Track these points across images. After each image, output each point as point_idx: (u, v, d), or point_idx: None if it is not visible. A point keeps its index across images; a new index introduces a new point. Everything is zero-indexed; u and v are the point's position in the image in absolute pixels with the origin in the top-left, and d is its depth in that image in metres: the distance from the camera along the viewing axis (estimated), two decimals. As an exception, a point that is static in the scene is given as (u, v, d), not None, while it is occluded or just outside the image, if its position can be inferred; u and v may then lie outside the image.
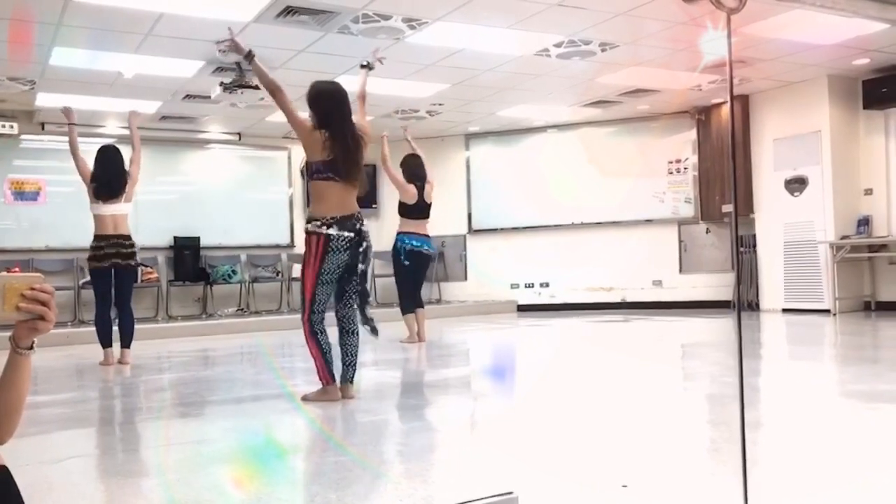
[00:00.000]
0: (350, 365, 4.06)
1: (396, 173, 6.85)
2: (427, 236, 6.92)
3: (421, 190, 6.85)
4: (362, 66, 4.79)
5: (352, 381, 4.09)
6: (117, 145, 6.43)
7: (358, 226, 3.99)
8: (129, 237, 6.07)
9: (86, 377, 5.80)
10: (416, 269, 6.93)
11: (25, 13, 5.87)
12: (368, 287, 4.11)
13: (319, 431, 3.48)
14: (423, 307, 7.05)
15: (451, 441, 3.25)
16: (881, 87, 8.47)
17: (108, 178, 6.03)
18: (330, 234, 3.90)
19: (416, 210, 6.86)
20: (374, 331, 4.16)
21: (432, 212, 7.00)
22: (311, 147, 3.96)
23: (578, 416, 3.61)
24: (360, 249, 3.99)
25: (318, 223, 3.92)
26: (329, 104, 4.00)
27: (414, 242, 6.82)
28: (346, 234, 3.93)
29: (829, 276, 8.63)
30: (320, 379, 4.03)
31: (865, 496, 2.22)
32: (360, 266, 4.01)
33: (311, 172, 3.99)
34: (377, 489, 2.44)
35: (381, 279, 11.38)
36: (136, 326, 6.23)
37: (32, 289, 1.26)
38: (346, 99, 4.05)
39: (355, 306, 4.09)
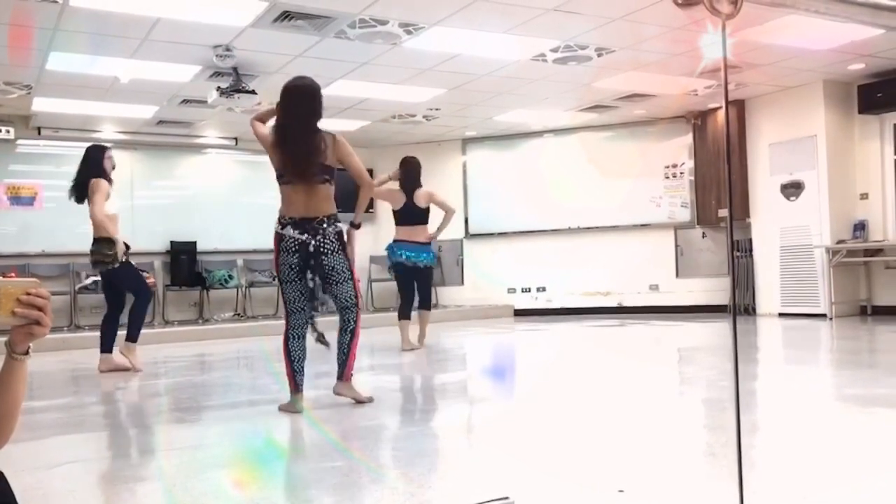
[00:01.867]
0: (340, 364, 4.04)
1: (379, 189, 6.62)
2: (419, 243, 6.66)
3: (410, 194, 6.62)
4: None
5: (340, 378, 4.04)
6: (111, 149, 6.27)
7: (320, 228, 3.87)
8: (96, 240, 5.81)
9: (82, 382, 5.78)
10: (406, 278, 6.75)
11: (22, 17, 5.87)
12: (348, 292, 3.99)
13: (316, 436, 3.48)
14: (428, 310, 6.91)
15: (448, 446, 3.25)
16: (876, 91, 8.50)
17: (75, 180, 5.95)
18: (282, 234, 3.89)
19: (405, 215, 6.65)
20: (320, 340, 4.05)
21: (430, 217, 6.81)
22: (270, 153, 3.98)
23: (575, 422, 3.61)
24: (311, 252, 3.85)
25: (278, 223, 3.94)
26: (282, 103, 3.93)
27: (399, 254, 6.64)
28: (298, 235, 3.86)
29: (826, 281, 8.65)
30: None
31: (862, 500, 2.23)
32: (309, 274, 3.89)
33: (277, 177, 3.99)
34: (374, 494, 2.43)
35: (378, 283, 11.39)
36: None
37: (28, 293, 1.26)
38: (300, 99, 3.91)
39: (348, 307, 4.02)
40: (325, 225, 3.90)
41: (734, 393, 1.49)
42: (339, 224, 3.95)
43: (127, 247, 5.96)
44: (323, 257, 3.89)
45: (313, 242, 3.87)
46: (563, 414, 3.81)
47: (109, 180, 5.96)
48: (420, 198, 6.68)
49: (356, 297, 4.04)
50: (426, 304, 6.93)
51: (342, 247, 3.95)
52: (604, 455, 2.90)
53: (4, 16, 5.85)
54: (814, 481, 2.45)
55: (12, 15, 5.85)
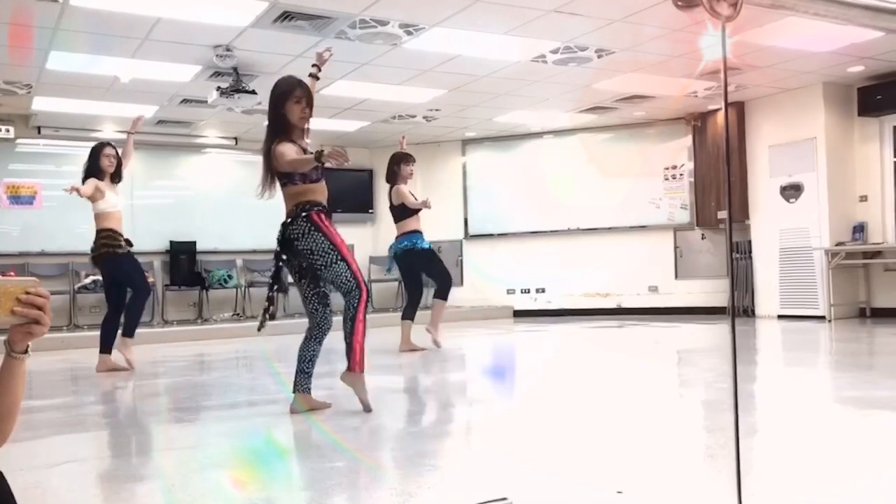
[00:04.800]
0: (346, 354, 3.88)
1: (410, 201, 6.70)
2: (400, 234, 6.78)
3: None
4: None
5: (347, 368, 3.88)
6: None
7: (288, 220, 3.86)
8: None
9: (81, 382, 5.78)
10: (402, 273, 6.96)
11: (22, 17, 5.87)
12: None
13: (315, 436, 3.48)
14: (442, 302, 6.83)
15: (447, 446, 3.25)
16: (876, 94, 8.50)
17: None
18: None
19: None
20: (262, 323, 4.01)
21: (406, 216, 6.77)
22: None
23: (574, 423, 3.61)
24: (283, 241, 3.87)
25: None
26: None
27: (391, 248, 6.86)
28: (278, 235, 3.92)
29: (825, 283, 8.65)
30: None
31: (860, 502, 2.23)
32: (284, 262, 3.93)
33: None
34: (372, 495, 2.43)
35: (377, 284, 11.40)
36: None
37: (28, 293, 1.26)
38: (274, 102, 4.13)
39: (347, 291, 3.82)
40: (291, 224, 3.83)
41: (733, 394, 1.49)
42: (308, 209, 3.81)
43: (129, 243, 6.04)
44: (296, 242, 3.79)
45: (284, 232, 3.84)
46: (562, 415, 3.81)
47: (113, 177, 6.04)
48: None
49: (354, 278, 3.76)
50: (443, 299, 6.84)
51: (314, 227, 3.78)
52: (602, 456, 2.90)
53: (5, 15, 5.85)
54: (812, 483, 2.46)
55: (13, 14, 5.86)
